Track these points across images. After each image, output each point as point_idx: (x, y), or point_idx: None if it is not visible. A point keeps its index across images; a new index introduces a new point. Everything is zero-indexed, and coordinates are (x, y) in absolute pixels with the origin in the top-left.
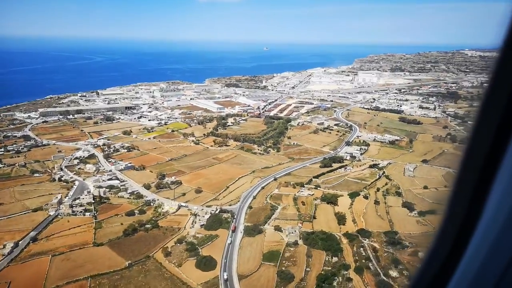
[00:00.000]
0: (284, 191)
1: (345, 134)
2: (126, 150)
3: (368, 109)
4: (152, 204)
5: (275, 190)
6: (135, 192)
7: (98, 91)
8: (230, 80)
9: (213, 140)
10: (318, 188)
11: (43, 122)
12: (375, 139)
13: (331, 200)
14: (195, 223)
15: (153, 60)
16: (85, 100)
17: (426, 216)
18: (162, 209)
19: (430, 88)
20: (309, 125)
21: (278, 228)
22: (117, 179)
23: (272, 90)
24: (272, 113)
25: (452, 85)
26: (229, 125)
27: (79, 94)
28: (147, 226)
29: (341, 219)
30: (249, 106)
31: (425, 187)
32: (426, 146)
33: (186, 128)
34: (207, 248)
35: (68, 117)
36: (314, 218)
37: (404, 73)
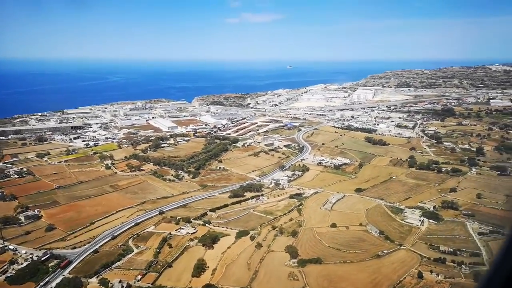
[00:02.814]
0: (160, 229)
1: (289, 157)
2: (17, 176)
3: (339, 128)
4: None
5: (150, 227)
6: None
7: (64, 110)
8: (219, 98)
9: (127, 164)
10: (207, 224)
11: None
12: (320, 162)
13: (208, 241)
14: (5, 272)
15: (168, 79)
16: (39, 120)
17: (306, 266)
18: None
19: (426, 104)
20: (255, 146)
21: (104, 282)
22: None
23: (252, 107)
24: (225, 133)
25: (454, 101)
26: (163, 146)
27: (39, 114)
28: None
29: (200, 268)
30: (206, 125)
31: (333, 225)
32: (375, 171)
33: (113, 150)
34: None
35: (2, 137)
36: (170, 266)
37: (409, 89)
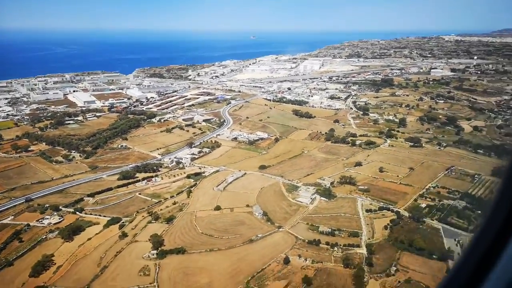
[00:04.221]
0: (20, 220)
1: (205, 132)
2: None
3: (270, 100)
4: None
5: (8, 218)
6: None
7: None
8: (161, 70)
9: (13, 144)
10: (78, 212)
11: None
12: (236, 138)
13: (66, 233)
14: None
15: (118, 50)
16: None
17: (166, 258)
18: None
19: (368, 75)
20: (172, 122)
21: None
22: None
23: (191, 80)
24: (146, 107)
25: (397, 71)
26: (68, 123)
27: None
28: None
29: (41, 266)
30: (129, 99)
31: (217, 208)
32: (289, 146)
33: (8, 128)
34: None
35: None
36: (11, 265)
37: (358, 59)
